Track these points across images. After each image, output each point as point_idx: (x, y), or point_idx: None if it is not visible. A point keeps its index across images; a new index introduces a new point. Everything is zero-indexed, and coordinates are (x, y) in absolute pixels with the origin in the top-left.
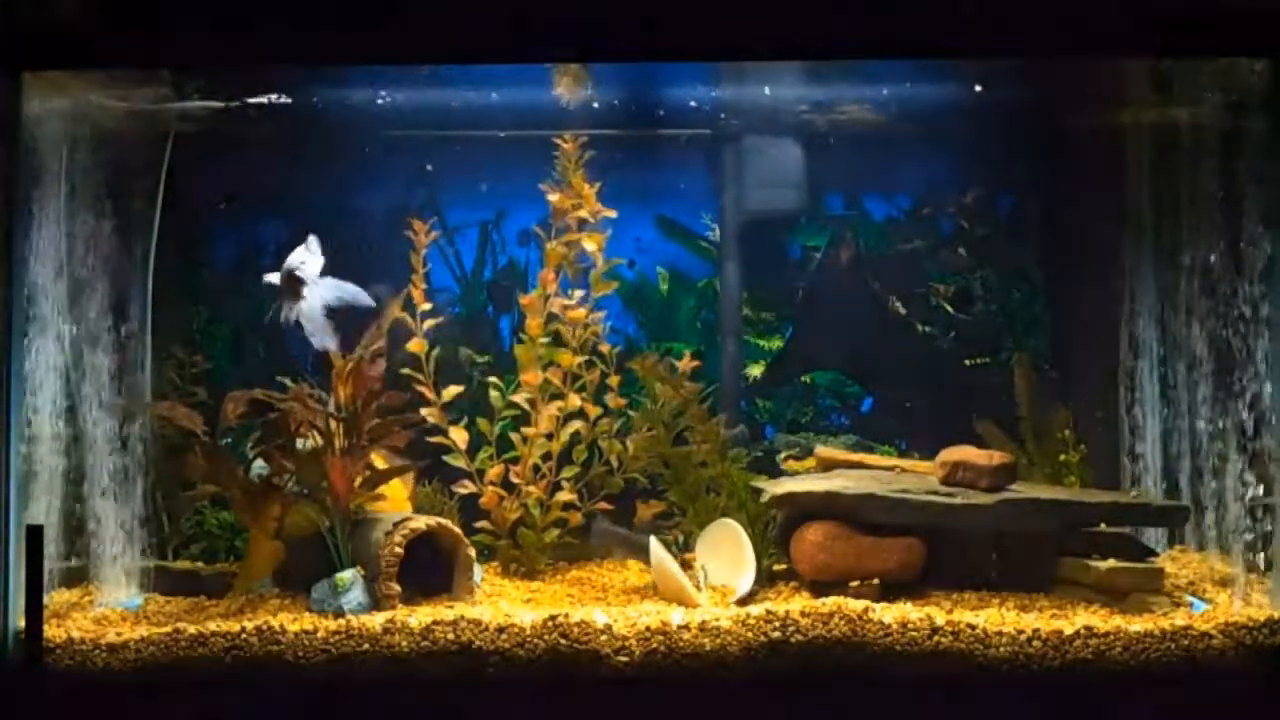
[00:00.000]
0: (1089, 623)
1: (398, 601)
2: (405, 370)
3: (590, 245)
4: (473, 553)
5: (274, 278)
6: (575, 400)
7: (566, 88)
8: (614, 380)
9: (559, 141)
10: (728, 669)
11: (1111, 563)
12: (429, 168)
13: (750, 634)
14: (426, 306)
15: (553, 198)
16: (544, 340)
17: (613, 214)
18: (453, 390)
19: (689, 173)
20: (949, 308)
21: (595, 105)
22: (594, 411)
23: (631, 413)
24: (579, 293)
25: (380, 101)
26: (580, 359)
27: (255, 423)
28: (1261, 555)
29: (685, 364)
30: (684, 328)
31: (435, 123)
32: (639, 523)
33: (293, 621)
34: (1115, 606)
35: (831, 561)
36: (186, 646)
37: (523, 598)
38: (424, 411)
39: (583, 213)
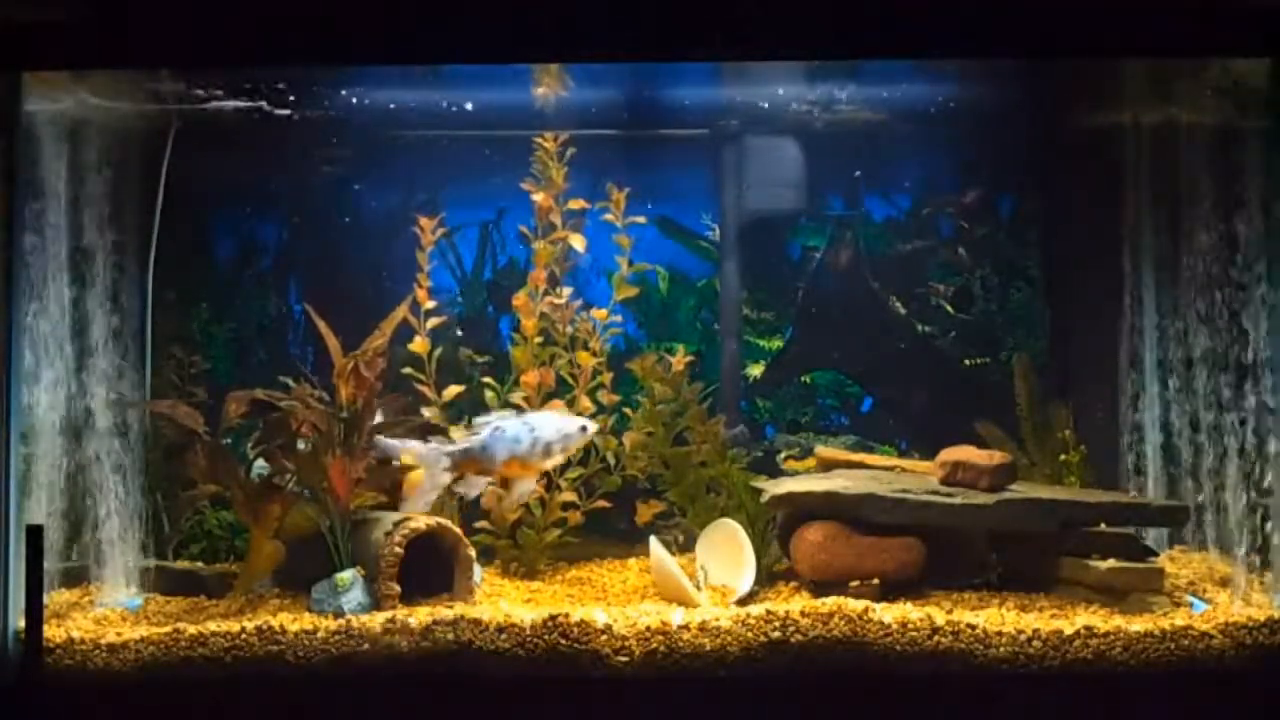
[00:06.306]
0: (1089, 623)
1: (398, 601)
2: (407, 370)
3: (578, 244)
4: (473, 553)
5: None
6: (587, 404)
7: (551, 86)
8: (605, 378)
9: (539, 141)
10: (728, 669)
11: (1111, 563)
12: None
13: (750, 634)
14: (431, 305)
15: (537, 197)
16: (539, 340)
17: (642, 220)
18: (454, 390)
19: (688, 172)
20: (949, 308)
21: (599, 104)
22: (588, 408)
23: (628, 411)
24: (567, 290)
25: (377, 102)
26: (599, 359)
27: (256, 422)
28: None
29: (679, 361)
30: (684, 328)
31: (436, 123)
32: (639, 523)
33: (293, 621)
34: (1115, 606)
35: (831, 561)
36: (186, 646)
37: (523, 598)
38: (424, 411)
39: (610, 218)
